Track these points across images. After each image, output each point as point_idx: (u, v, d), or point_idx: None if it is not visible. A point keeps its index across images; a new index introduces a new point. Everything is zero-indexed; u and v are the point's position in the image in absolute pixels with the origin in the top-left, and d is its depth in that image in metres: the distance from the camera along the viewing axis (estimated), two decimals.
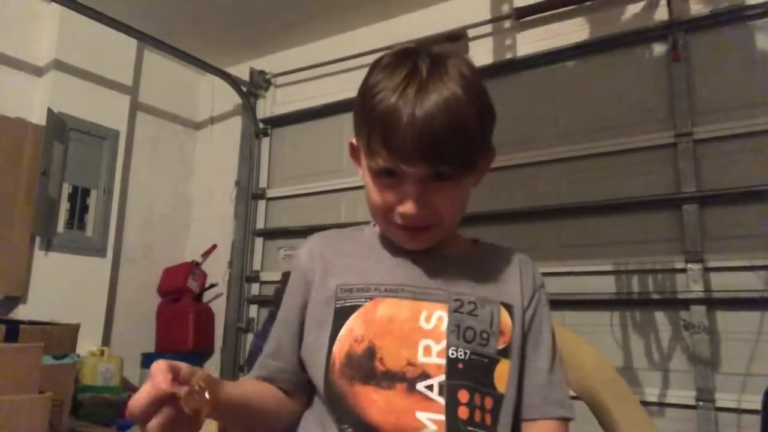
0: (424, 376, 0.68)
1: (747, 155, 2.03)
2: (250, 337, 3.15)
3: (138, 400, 0.53)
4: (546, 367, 0.75)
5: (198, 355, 3.18)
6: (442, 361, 0.68)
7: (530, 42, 2.55)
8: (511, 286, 0.77)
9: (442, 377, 0.68)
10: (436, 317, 0.71)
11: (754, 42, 2.09)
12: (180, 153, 3.62)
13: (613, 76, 2.36)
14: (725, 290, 2.00)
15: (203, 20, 3.08)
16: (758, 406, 1.51)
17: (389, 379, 0.68)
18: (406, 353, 0.69)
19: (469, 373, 0.69)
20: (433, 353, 0.69)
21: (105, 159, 3.04)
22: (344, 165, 2.96)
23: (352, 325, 0.72)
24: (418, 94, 0.66)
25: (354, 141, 0.79)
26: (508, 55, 2.60)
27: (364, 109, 0.70)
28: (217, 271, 3.34)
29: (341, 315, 0.73)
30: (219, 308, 3.29)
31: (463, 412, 0.67)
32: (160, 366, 0.55)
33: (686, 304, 2.06)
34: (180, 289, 3.25)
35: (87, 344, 2.71)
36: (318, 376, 0.73)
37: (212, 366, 3.18)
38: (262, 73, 3.39)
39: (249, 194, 3.32)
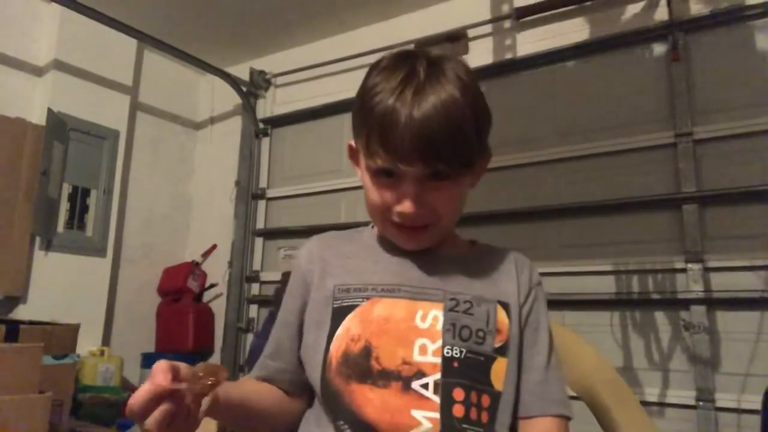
0: (420, 374, 0.68)
1: (747, 155, 2.03)
2: (250, 337, 3.15)
3: (138, 397, 0.54)
4: (542, 364, 0.76)
5: (198, 355, 3.18)
6: (438, 360, 0.69)
7: (530, 42, 2.55)
8: (507, 285, 0.78)
9: (438, 376, 0.68)
10: (432, 316, 0.72)
11: (754, 42, 2.09)
12: (180, 153, 3.62)
13: (613, 76, 2.36)
14: (725, 290, 2.00)
15: (203, 20, 3.08)
16: (758, 406, 1.51)
17: (385, 377, 0.69)
18: (401, 352, 0.70)
19: (464, 371, 0.69)
20: (428, 352, 0.70)
21: (105, 159, 3.04)
22: (344, 165, 2.96)
23: (349, 324, 0.73)
24: (415, 95, 0.67)
25: (353, 143, 0.80)
26: (508, 55, 2.60)
27: (363, 110, 0.72)
28: (217, 271, 3.34)
29: (338, 315, 0.74)
30: (219, 308, 3.29)
31: (458, 410, 0.67)
32: (160, 365, 0.56)
33: (686, 304, 2.06)
34: (180, 289, 3.25)
35: (87, 344, 2.71)
36: (315, 375, 0.74)
37: None
38: (262, 73, 3.39)
39: (249, 194, 3.32)
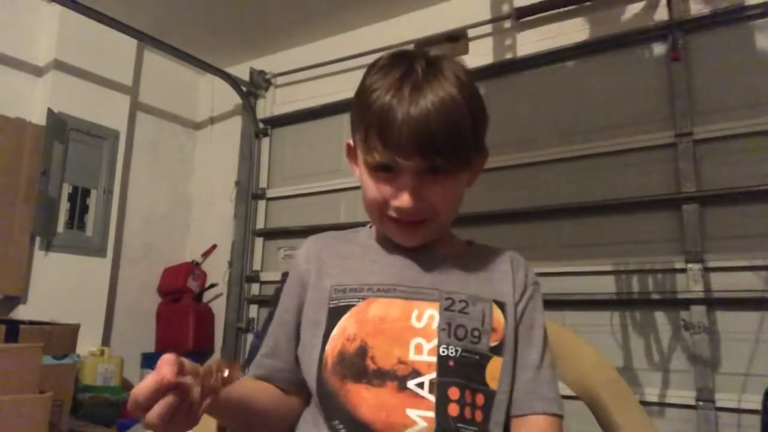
0: (415, 374, 0.69)
1: (747, 155, 2.03)
2: (250, 337, 3.15)
3: (142, 388, 0.54)
4: (535, 362, 0.76)
5: (198, 355, 3.18)
6: (433, 359, 0.69)
7: (530, 42, 2.55)
8: (503, 285, 0.78)
9: (433, 375, 0.69)
10: (428, 316, 0.72)
11: (754, 42, 2.09)
12: (180, 153, 3.62)
13: (613, 76, 2.36)
14: (725, 290, 2.00)
15: (203, 20, 3.08)
16: (758, 406, 1.51)
17: (380, 377, 0.69)
18: (397, 352, 0.70)
19: (460, 370, 0.69)
20: (424, 351, 0.70)
21: (105, 159, 3.04)
22: (344, 165, 2.96)
23: (345, 324, 0.73)
24: (413, 92, 0.68)
25: (351, 142, 0.81)
26: (508, 55, 2.60)
27: (361, 107, 0.72)
28: (217, 271, 3.34)
29: (334, 315, 0.74)
30: (219, 308, 3.29)
31: (453, 409, 0.67)
32: (168, 357, 0.55)
33: (686, 304, 2.05)
34: (180, 289, 3.25)
35: (87, 344, 2.71)
36: (311, 375, 0.74)
37: None
38: (262, 73, 3.39)
39: (249, 194, 3.32)
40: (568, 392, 0.90)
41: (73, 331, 2.25)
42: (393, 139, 0.68)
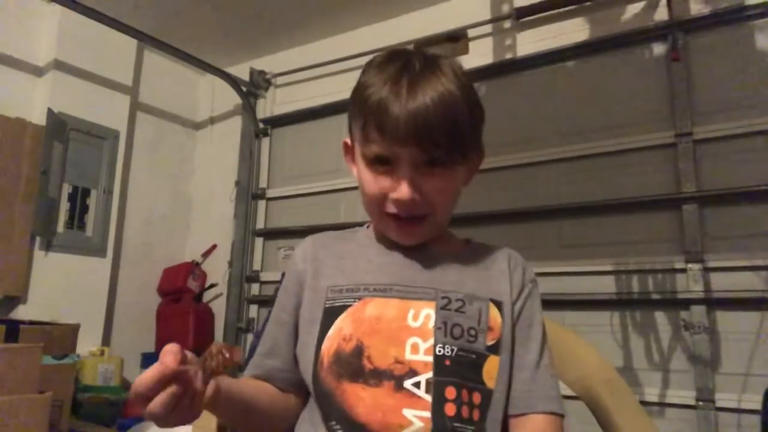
0: (412, 373, 0.69)
1: (747, 155, 2.03)
2: (250, 337, 3.15)
3: (144, 378, 0.54)
4: (534, 361, 0.75)
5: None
6: (429, 359, 0.69)
7: (530, 42, 2.55)
8: (500, 283, 0.78)
9: (429, 374, 0.68)
10: (424, 315, 0.72)
11: (754, 42, 2.09)
12: (180, 153, 3.62)
13: (613, 76, 2.36)
14: (725, 290, 2.00)
15: (203, 20, 3.08)
16: (758, 406, 1.51)
17: (376, 377, 0.69)
18: (393, 351, 0.70)
19: (456, 369, 0.69)
20: (420, 351, 0.70)
21: (105, 159, 3.04)
22: (344, 165, 2.93)
23: (341, 324, 0.73)
24: (411, 85, 0.69)
25: (347, 141, 0.81)
26: (508, 55, 2.60)
27: (359, 101, 0.73)
28: (217, 271, 3.34)
29: (330, 315, 0.74)
30: (219, 308, 3.29)
31: (449, 409, 0.67)
32: (171, 347, 0.55)
33: (686, 304, 2.05)
34: (180, 289, 3.25)
35: (87, 344, 2.71)
36: (307, 374, 0.74)
37: None
38: (262, 73, 3.39)
39: (249, 194, 3.32)
40: (568, 392, 0.90)
41: (73, 331, 2.25)
42: (391, 129, 0.68)
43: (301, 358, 0.77)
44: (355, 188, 3.00)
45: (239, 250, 3.23)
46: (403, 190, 0.71)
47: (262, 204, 3.33)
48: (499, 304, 0.76)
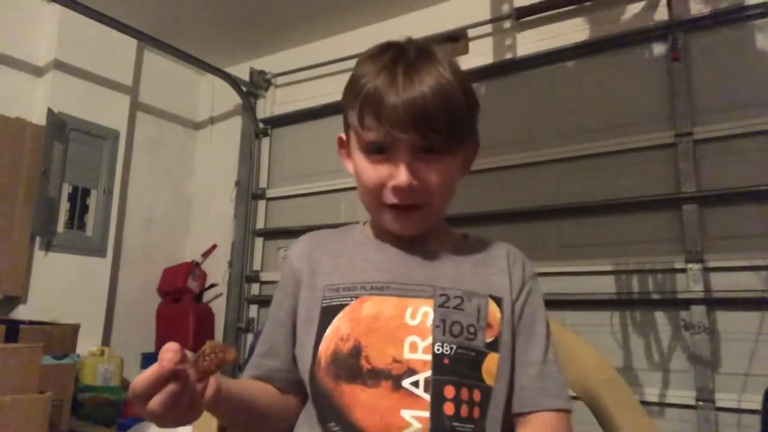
0: (410, 372, 0.68)
1: (747, 155, 2.03)
2: (250, 337, 3.15)
3: (142, 378, 0.53)
4: (539, 358, 0.75)
5: None
6: (428, 357, 0.68)
7: (530, 42, 2.55)
8: (499, 279, 0.77)
9: (428, 373, 0.68)
10: (422, 313, 0.71)
11: (754, 42, 2.09)
12: (180, 153, 3.62)
13: (613, 76, 2.36)
14: (725, 290, 2.00)
15: (203, 20, 3.08)
16: (758, 406, 1.51)
17: (375, 377, 0.68)
18: (392, 350, 0.69)
19: (455, 367, 0.69)
20: (419, 349, 0.69)
21: (105, 159, 3.04)
22: (344, 165, 2.96)
23: (338, 324, 0.72)
24: (407, 72, 0.69)
25: (342, 135, 0.81)
26: (508, 55, 2.60)
27: (355, 90, 0.72)
28: (217, 271, 3.34)
29: (327, 314, 0.74)
30: (219, 308, 3.29)
31: (448, 408, 0.67)
32: (170, 345, 0.55)
33: (686, 304, 2.05)
34: (180, 289, 3.25)
35: (87, 344, 2.71)
36: (305, 375, 0.73)
37: None
38: (262, 73, 3.39)
39: (249, 194, 3.32)
40: (569, 392, 0.90)
41: (73, 331, 2.25)
42: (389, 114, 0.68)
43: (299, 359, 0.76)
44: (356, 188, 3.00)
45: (239, 250, 3.23)
46: (402, 176, 0.70)
47: (262, 204, 3.33)
48: (498, 301, 0.75)
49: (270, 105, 3.41)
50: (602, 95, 2.36)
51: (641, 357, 2.12)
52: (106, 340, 2.98)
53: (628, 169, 2.25)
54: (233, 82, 3.33)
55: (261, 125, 3.40)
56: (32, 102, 2.80)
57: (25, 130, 2.69)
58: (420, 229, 0.77)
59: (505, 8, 2.61)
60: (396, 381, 0.67)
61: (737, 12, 2.11)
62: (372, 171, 0.73)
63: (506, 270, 0.78)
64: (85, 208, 2.93)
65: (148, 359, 3.10)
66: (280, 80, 3.40)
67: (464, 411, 0.67)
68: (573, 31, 2.45)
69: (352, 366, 0.69)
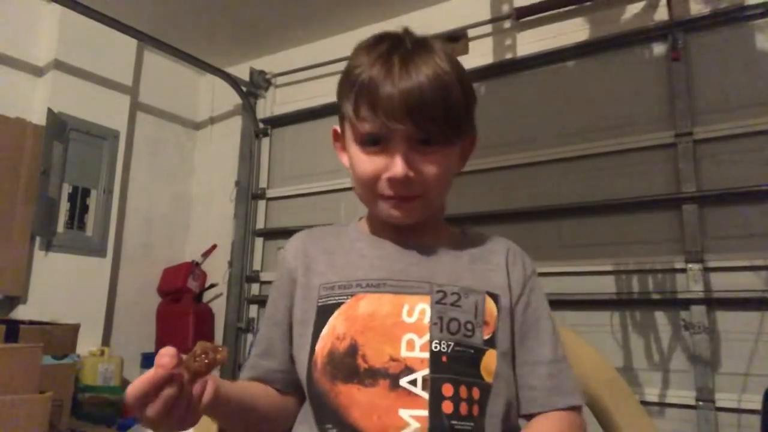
0: (408, 371, 0.67)
1: (747, 155, 2.03)
2: (250, 337, 3.15)
3: (135, 385, 0.52)
4: (549, 357, 0.74)
5: None
6: (426, 355, 0.67)
7: (530, 42, 2.55)
8: (497, 276, 0.76)
9: (426, 371, 0.67)
10: (419, 310, 0.70)
11: (754, 42, 2.09)
12: (180, 153, 3.62)
13: (613, 76, 2.36)
14: (725, 290, 2.00)
15: (203, 20, 3.08)
16: (758, 406, 1.51)
17: (372, 376, 0.67)
18: (388, 349, 0.68)
19: (453, 365, 0.68)
20: (416, 347, 0.68)
21: (105, 159, 3.04)
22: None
23: (335, 323, 0.71)
24: (404, 62, 0.68)
25: (337, 128, 0.80)
26: (508, 55, 2.60)
27: (350, 81, 0.71)
28: (217, 271, 3.34)
29: (323, 313, 0.73)
30: (219, 308, 3.29)
31: (447, 407, 0.66)
32: (166, 350, 0.54)
33: (686, 304, 2.05)
34: (180, 289, 3.25)
35: (87, 344, 2.71)
36: (302, 376, 0.72)
37: None
38: (262, 73, 3.39)
39: (249, 194, 3.32)
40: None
41: (73, 331, 2.25)
42: (384, 105, 0.67)
43: (297, 360, 0.75)
44: None
45: (239, 250, 3.23)
46: (398, 167, 0.68)
47: (262, 204, 3.33)
48: (495, 297, 0.74)
49: (270, 105, 3.41)
50: (602, 95, 2.36)
51: (641, 357, 2.12)
52: (106, 340, 2.98)
53: (628, 169, 2.25)
54: (233, 82, 3.32)
55: (261, 125, 3.40)
56: (32, 102, 2.80)
57: (25, 130, 2.69)
58: (418, 217, 0.75)
59: (505, 8, 2.61)
60: (393, 380, 0.66)
61: (737, 12, 2.11)
62: (367, 163, 0.71)
63: (504, 267, 0.77)
64: (85, 208, 2.93)
65: (148, 359, 3.10)
66: (280, 80, 3.40)
67: (463, 409, 0.66)
68: (573, 31, 2.45)
69: (348, 365, 0.68)
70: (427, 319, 0.70)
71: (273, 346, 0.79)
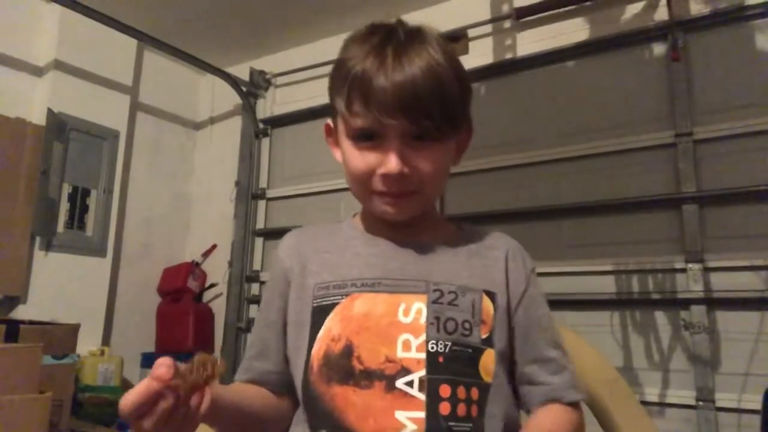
0: (404, 372, 0.65)
1: (747, 155, 2.03)
2: (249, 337, 3.15)
3: (129, 398, 0.50)
4: (549, 353, 0.74)
5: None
6: (422, 356, 0.66)
7: (530, 42, 2.55)
8: (495, 274, 0.75)
9: (422, 372, 0.65)
10: (415, 309, 0.69)
11: (754, 42, 2.09)
12: (180, 153, 3.62)
13: (613, 76, 2.36)
14: (725, 290, 1.99)
15: (203, 20, 3.08)
16: (758, 406, 1.51)
17: (367, 377, 0.65)
18: (384, 350, 0.66)
19: (450, 366, 0.66)
20: (412, 348, 0.67)
21: (105, 159, 3.04)
22: None
23: (330, 324, 0.70)
24: (397, 54, 0.66)
25: (330, 123, 0.78)
26: (508, 55, 2.60)
27: (342, 74, 0.69)
28: (217, 271, 3.34)
29: (319, 314, 0.71)
30: (219, 308, 3.29)
31: (444, 408, 0.64)
32: (163, 360, 0.52)
33: (686, 304, 2.05)
34: (180, 289, 3.25)
35: (87, 344, 2.71)
36: (298, 380, 0.71)
37: None
38: (262, 73, 3.39)
39: (249, 194, 3.32)
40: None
41: (73, 331, 2.25)
42: (377, 100, 0.65)
43: (293, 364, 0.74)
44: None
45: (239, 250, 3.23)
46: (391, 164, 0.67)
47: (262, 204, 3.33)
48: (492, 295, 0.73)
49: (270, 105, 3.41)
50: (602, 95, 2.36)
51: (641, 357, 2.12)
52: (106, 340, 2.97)
53: (628, 169, 2.25)
54: (233, 82, 3.32)
55: (261, 125, 3.40)
56: (32, 102, 2.80)
57: (25, 130, 2.69)
58: (413, 213, 0.73)
59: (505, 8, 2.61)
60: (389, 381, 0.65)
61: (737, 12, 2.11)
62: (360, 158, 0.70)
63: (503, 265, 0.76)
64: (85, 208, 2.93)
65: (148, 359, 3.10)
66: (280, 80, 3.40)
67: (461, 410, 0.65)
68: (573, 31, 2.45)
69: (343, 367, 0.66)
70: (423, 319, 0.68)
71: (267, 347, 0.78)
